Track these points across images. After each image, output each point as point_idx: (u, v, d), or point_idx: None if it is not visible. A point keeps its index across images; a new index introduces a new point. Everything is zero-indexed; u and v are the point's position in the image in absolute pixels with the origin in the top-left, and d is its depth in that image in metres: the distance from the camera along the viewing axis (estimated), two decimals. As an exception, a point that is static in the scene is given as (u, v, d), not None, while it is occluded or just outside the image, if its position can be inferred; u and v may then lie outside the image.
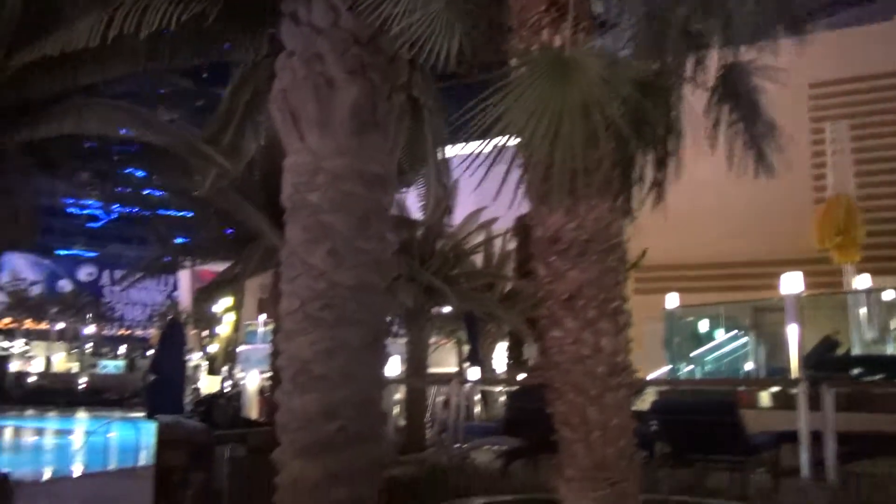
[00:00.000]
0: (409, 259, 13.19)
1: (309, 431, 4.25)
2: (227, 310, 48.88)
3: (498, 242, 19.08)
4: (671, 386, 11.58)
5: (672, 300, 15.08)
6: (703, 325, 15.89)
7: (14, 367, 48.86)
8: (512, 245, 19.26)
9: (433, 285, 15.09)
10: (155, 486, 9.76)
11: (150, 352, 63.58)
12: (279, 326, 4.74)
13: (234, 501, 6.91)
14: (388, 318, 5.39)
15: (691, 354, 15.41)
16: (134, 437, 19.90)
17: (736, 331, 15.51)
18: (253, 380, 36.62)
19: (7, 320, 58.50)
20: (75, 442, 24.24)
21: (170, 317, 12.22)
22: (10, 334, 57.58)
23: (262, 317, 35.83)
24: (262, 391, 33.14)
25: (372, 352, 4.50)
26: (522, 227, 18.21)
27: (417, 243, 15.03)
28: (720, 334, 15.90)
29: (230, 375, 44.48)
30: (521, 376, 16.30)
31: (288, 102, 4.79)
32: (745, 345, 15.23)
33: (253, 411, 22.37)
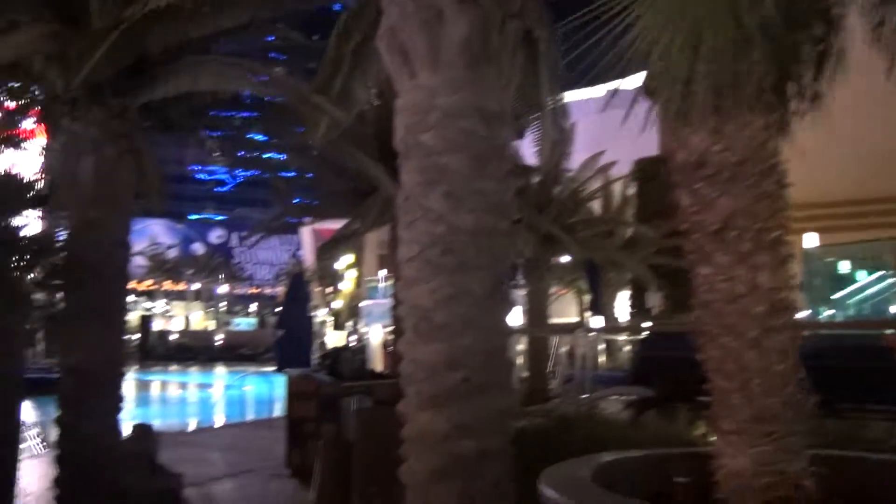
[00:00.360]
0: (526, 207, 12.83)
1: (433, 382, 4.03)
2: (349, 266, 50.06)
3: (617, 187, 18.40)
4: (832, 329, 10.78)
5: (810, 240, 14.06)
6: (845, 266, 14.80)
7: (157, 326, 51.94)
8: (632, 190, 18.52)
9: (552, 233, 14.69)
10: (287, 436, 10.00)
11: (279, 309, 66.29)
12: (399, 276, 4.54)
13: (362, 452, 6.89)
14: (510, 264, 5.07)
15: (832, 297, 14.40)
16: (267, 390, 20.76)
17: (881, 271, 14.37)
18: (376, 334, 37.43)
19: (148, 282, 62.29)
20: (214, 395, 25.55)
21: (294, 273, 12.20)
22: (151, 296, 61.30)
23: (383, 272, 36.43)
24: (385, 345, 33.85)
25: (494, 298, 4.22)
26: (642, 171, 17.46)
27: (534, 190, 14.63)
28: (863, 275, 14.79)
29: (354, 330, 45.71)
30: (645, 324, 15.74)
31: (396, 39, 4.50)
32: (891, 286, 14.10)
33: (377, 364, 22.77)
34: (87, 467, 6.94)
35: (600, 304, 17.26)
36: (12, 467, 5.47)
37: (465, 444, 3.96)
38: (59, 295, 6.43)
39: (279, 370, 10.74)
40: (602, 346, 14.82)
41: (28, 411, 17.78)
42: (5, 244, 5.55)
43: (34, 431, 13.78)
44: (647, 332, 11.44)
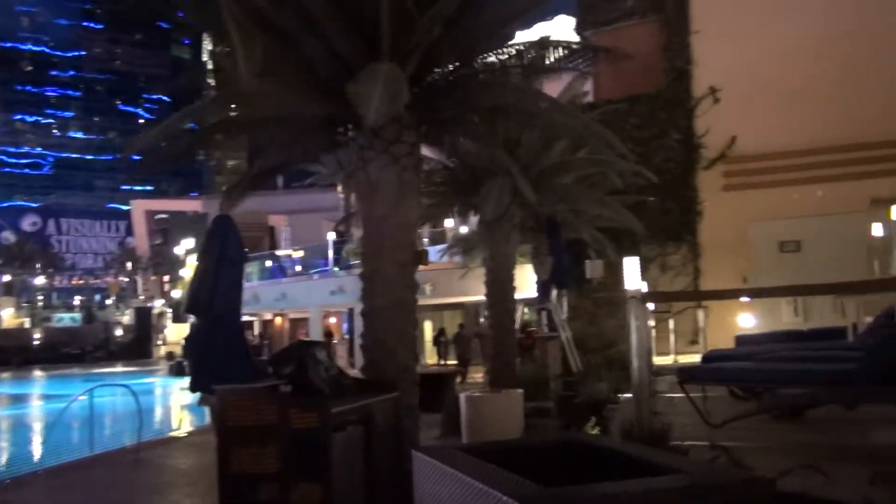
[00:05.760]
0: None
1: None
2: (190, 252, 43.17)
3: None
4: None
5: None
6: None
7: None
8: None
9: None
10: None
11: (109, 300, 56.92)
12: None
13: None
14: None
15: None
16: (111, 401, 14.63)
17: None
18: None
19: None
20: (39, 415, 19.02)
21: (217, 217, 6.16)
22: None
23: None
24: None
25: None
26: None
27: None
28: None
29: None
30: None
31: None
32: None
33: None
34: None
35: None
36: None
37: None
38: None
39: (197, 387, 5.47)
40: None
41: None
42: None
43: None
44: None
